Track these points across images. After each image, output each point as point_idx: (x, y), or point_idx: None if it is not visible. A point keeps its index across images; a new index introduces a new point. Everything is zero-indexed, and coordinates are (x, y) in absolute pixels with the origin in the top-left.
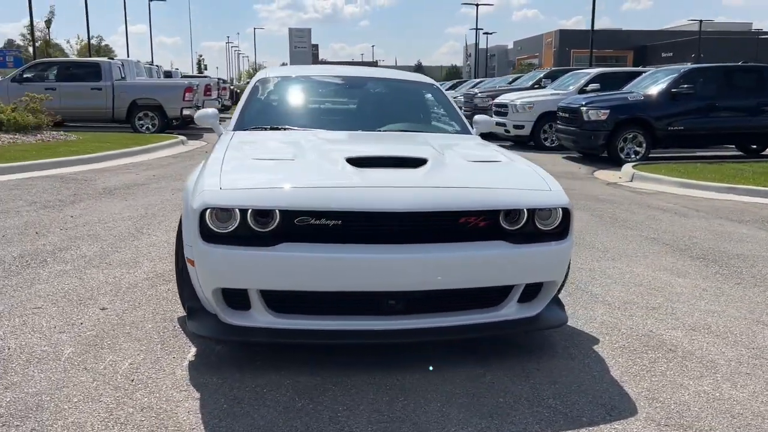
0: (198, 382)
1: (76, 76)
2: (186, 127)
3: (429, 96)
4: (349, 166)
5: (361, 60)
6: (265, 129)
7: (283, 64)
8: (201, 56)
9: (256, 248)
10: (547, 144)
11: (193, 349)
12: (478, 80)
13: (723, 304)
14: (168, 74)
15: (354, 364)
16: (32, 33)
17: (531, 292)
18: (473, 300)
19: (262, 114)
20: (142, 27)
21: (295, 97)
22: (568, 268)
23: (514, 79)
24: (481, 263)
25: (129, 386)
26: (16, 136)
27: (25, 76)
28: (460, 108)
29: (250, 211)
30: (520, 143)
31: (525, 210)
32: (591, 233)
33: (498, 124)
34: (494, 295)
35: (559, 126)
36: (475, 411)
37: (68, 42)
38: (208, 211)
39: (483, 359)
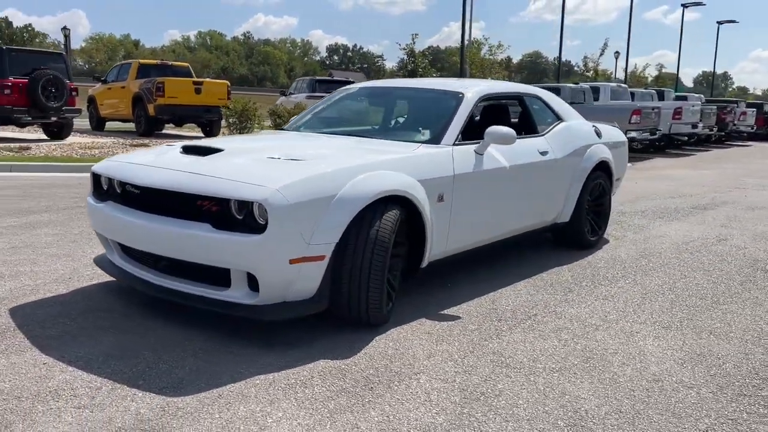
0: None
1: None
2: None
3: (444, 105)
4: (178, 153)
5: None
6: (283, 130)
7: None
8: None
9: (96, 203)
10: None
11: None
12: None
13: None
14: (660, 95)
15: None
16: (559, 62)
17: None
18: (209, 275)
19: (302, 119)
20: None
21: (333, 106)
22: (361, 281)
23: None
24: (182, 240)
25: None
26: None
27: None
28: None
29: (115, 179)
30: None
31: (243, 201)
32: None
33: None
34: (220, 275)
35: None
36: (100, 354)
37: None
38: (101, 176)
39: (218, 336)
